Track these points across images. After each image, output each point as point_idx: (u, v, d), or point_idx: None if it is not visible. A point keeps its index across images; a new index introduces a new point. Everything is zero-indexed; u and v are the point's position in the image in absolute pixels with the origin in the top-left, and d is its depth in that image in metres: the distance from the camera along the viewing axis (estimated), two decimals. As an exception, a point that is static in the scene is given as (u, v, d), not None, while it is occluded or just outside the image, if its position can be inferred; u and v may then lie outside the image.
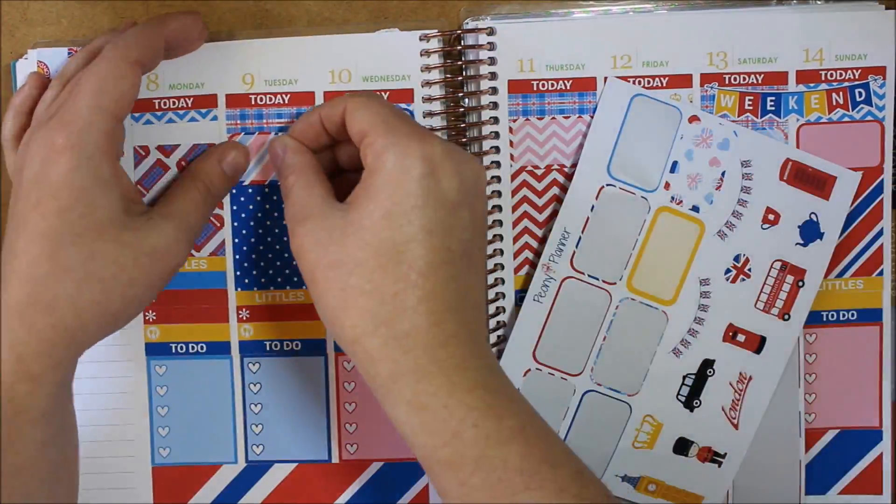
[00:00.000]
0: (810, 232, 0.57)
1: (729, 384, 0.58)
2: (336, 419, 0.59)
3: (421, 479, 0.59)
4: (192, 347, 0.59)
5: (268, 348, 0.59)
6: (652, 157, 0.57)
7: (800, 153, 0.57)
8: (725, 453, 0.58)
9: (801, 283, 0.57)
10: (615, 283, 0.58)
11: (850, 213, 0.58)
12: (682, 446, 0.58)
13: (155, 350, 0.59)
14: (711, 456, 0.58)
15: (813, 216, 0.57)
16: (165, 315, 0.59)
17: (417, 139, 0.49)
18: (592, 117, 0.57)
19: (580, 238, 0.58)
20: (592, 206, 0.58)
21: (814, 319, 0.59)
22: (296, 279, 0.59)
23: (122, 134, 0.52)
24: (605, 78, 0.58)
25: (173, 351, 0.59)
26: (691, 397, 0.58)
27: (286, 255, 0.59)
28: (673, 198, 0.58)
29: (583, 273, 0.58)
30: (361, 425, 0.59)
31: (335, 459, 0.59)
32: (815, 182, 0.57)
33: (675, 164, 0.57)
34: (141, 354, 0.59)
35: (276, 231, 0.59)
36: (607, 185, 0.58)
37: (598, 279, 0.58)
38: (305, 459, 0.59)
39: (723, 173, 0.57)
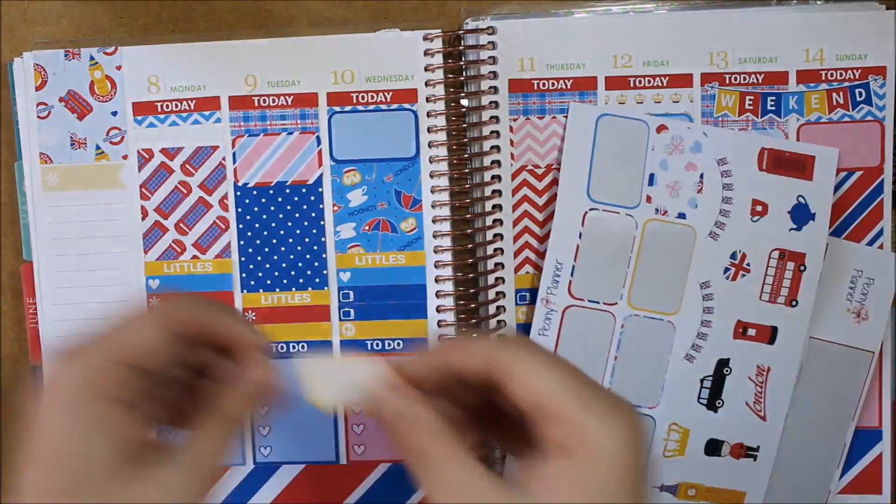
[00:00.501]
0: (801, 215, 0.58)
1: (748, 379, 0.58)
2: (343, 421, 0.59)
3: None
4: (198, 350, 0.59)
5: (274, 350, 0.59)
6: (628, 173, 0.58)
7: (773, 140, 0.58)
8: (758, 446, 0.59)
9: (802, 268, 0.58)
10: (616, 304, 0.58)
11: (850, 212, 0.58)
12: (713, 447, 0.59)
13: (160, 353, 0.59)
14: (745, 452, 0.59)
15: (800, 199, 0.57)
16: (170, 318, 0.59)
17: (618, 412, 0.39)
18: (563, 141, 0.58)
19: (574, 266, 0.58)
20: (580, 233, 0.58)
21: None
22: (301, 280, 0.59)
23: (139, 380, 0.42)
24: (601, 78, 0.58)
25: (178, 354, 0.59)
26: (713, 398, 0.59)
27: (292, 256, 0.59)
28: (657, 209, 0.58)
29: (582, 300, 0.58)
30: (369, 427, 0.59)
31: (343, 460, 0.59)
32: (794, 166, 0.57)
33: (651, 176, 0.58)
34: (146, 358, 0.59)
35: (282, 233, 0.59)
36: (590, 209, 0.58)
37: (598, 302, 0.58)
38: (313, 461, 0.60)
39: (701, 175, 0.58)
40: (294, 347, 0.59)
